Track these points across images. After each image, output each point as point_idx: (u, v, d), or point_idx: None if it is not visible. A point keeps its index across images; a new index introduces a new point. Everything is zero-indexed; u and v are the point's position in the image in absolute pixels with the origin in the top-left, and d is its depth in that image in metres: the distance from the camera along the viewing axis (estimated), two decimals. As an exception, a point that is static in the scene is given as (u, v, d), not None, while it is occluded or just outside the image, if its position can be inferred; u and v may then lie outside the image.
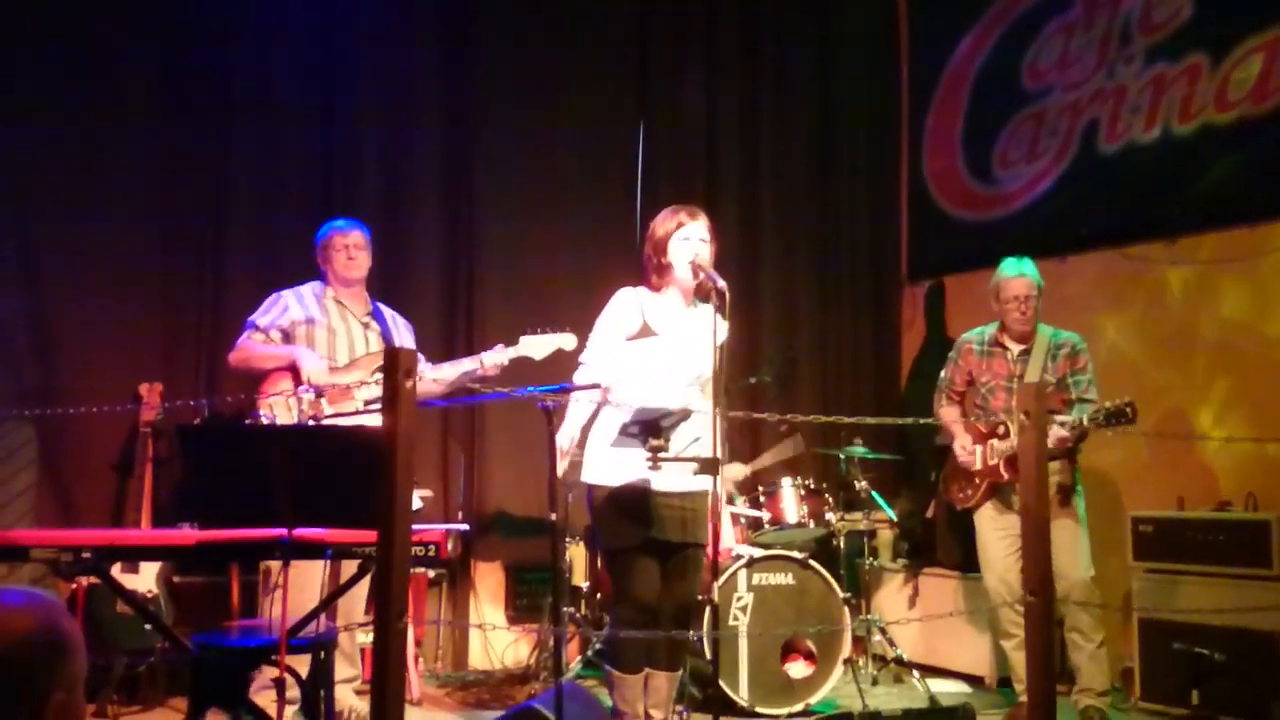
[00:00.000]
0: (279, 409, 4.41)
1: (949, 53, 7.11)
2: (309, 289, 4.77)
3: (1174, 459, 5.37)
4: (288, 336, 4.63)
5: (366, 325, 4.79)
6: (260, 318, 4.66)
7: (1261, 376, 5.25)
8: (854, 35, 7.34)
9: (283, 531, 3.01)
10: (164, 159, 5.45)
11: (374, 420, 4.35)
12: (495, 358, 4.66)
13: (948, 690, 5.43)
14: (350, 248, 4.75)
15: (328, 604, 3.65)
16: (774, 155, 7.01)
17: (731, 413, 4.61)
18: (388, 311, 4.91)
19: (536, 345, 4.65)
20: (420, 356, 4.77)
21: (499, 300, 6.03)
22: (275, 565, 4.40)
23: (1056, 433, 4.47)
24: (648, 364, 3.79)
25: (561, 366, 4.30)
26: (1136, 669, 5.07)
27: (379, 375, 4.43)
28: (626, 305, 3.89)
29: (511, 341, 4.69)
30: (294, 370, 4.50)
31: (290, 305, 4.68)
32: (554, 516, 3.60)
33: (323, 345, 4.64)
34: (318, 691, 3.37)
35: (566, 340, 4.65)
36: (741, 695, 4.80)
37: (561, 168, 6.34)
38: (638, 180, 6.54)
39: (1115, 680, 5.15)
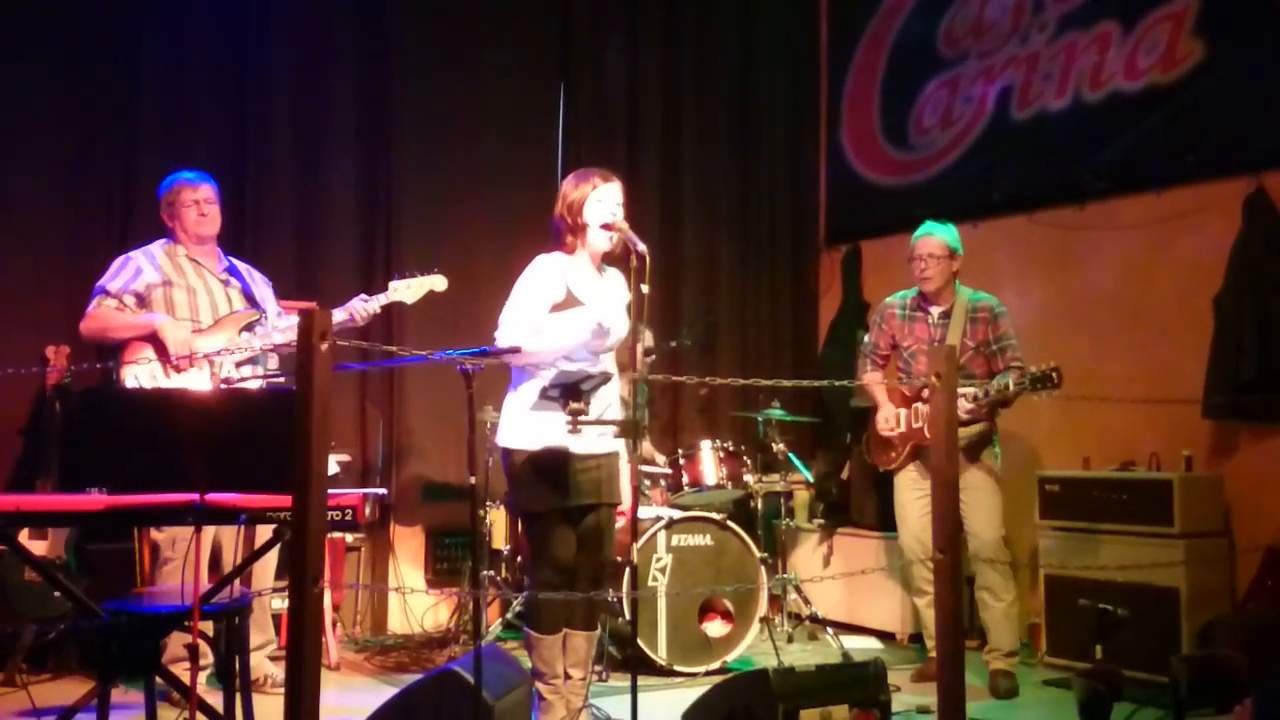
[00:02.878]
0: (144, 378, 4.23)
1: (867, 19, 7.15)
2: (158, 248, 4.51)
3: (1081, 420, 5.50)
4: (143, 301, 4.38)
5: (226, 282, 4.56)
6: (110, 282, 4.38)
7: (1166, 339, 5.40)
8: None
9: (195, 496, 2.96)
10: (69, 113, 5.30)
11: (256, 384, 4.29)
12: (366, 306, 4.50)
13: (860, 646, 5.54)
14: (201, 203, 4.50)
15: (242, 569, 3.61)
16: (695, 118, 7.01)
17: (650, 376, 4.61)
18: (242, 266, 4.69)
19: (408, 290, 4.54)
20: (278, 308, 4.67)
21: (418, 257, 5.91)
22: (162, 537, 4.32)
23: (963, 406, 4.56)
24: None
25: (481, 328, 4.27)
26: (1043, 624, 5.22)
27: (246, 335, 4.39)
28: (549, 273, 3.79)
29: (382, 289, 4.58)
30: (154, 339, 4.29)
31: (143, 267, 4.42)
32: (473, 480, 3.58)
33: (183, 306, 4.41)
34: (232, 657, 3.34)
35: (437, 282, 4.57)
36: (660, 654, 4.85)
37: (482, 125, 6.29)
38: (558, 139, 6.50)
39: (1024, 637, 5.29)
